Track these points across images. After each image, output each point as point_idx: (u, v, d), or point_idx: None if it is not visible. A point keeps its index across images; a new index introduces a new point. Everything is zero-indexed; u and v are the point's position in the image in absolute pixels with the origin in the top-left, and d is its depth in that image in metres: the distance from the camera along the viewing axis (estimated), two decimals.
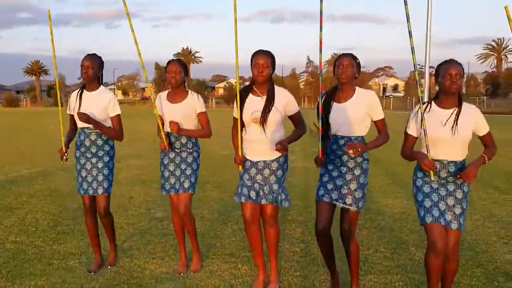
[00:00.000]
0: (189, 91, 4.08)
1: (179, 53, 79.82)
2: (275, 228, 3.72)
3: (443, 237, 3.18)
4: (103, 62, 4.14)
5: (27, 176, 8.94)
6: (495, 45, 70.09)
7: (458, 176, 3.14)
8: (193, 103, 4.03)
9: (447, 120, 3.15)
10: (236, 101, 3.64)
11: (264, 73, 3.56)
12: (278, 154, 3.60)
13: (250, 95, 3.68)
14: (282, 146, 3.44)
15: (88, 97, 4.05)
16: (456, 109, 3.16)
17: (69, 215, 5.97)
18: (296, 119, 3.70)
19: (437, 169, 3.18)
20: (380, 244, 4.85)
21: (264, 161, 3.63)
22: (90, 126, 3.99)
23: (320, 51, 3.45)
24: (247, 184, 3.67)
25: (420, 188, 3.28)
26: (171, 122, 3.91)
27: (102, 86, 4.14)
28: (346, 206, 3.44)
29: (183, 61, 4.12)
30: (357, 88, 3.51)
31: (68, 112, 4.16)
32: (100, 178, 4.06)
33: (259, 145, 3.60)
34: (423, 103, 3.24)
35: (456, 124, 3.13)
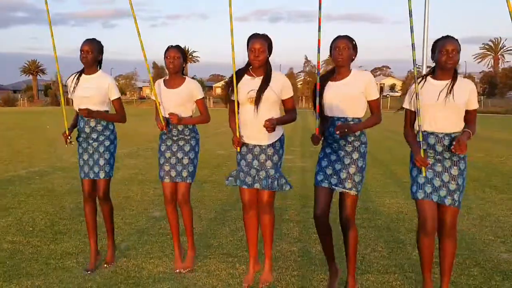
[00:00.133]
0: (187, 77, 4.09)
1: None
2: (270, 215, 3.71)
3: (433, 216, 3.24)
4: (102, 47, 4.15)
5: (24, 176, 8.92)
6: (492, 45, 70.26)
7: (451, 148, 3.14)
8: (191, 88, 4.03)
9: (442, 90, 3.20)
10: (233, 83, 3.63)
11: (260, 58, 3.55)
12: (273, 138, 3.62)
13: (246, 76, 3.68)
14: (270, 122, 3.44)
15: (86, 80, 4.08)
16: (452, 81, 3.21)
17: (66, 215, 5.96)
18: (288, 104, 3.71)
19: (429, 165, 3.20)
20: (377, 243, 4.85)
21: (260, 146, 3.64)
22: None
23: (318, 51, 3.46)
24: (244, 170, 3.68)
25: (415, 164, 3.31)
26: (170, 114, 3.92)
27: (100, 70, 4.16)
28: (346, 191, 3.43)
29: (182, 48, 4.11)
30: (353, 69, 3.51)
31: (69, 96, 4.18)
32: (102, 162, 4.08)
33: (254, 126, 3.58)
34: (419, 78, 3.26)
35: (451, 92, 3.17)
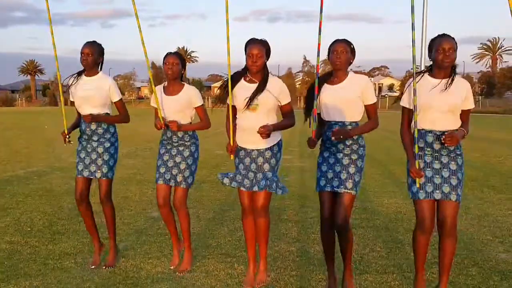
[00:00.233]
0: (185, 84, 4.09)
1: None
2: (266, 219, 3.69)
3: (432, 215, 3.27)
4: (103, 49, 4.16)
5: (22, 176, 8.90)
6: (490, 45, 70.37)
7: (442, 138, 3.15)
8: (189, 95, 4.03)
9: (439, 88, 3.21)
10: (229, 88, 3.63)
11: (258, 63, 3.54)
12: (271, 142, 3.63)
13: (242, 81, 3.67)
14: (265, 129, 3.44)
15: (87, 82, 4.09)
16: (449, 79, 3.22)
17: (64, 215, 5.95)
18: (287, 110, 3.70)
19: (423, 177, 3.23)
20: (375, 243, 4.86)
21: (258, 150, 3.64)
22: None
23: (318, 54, 3.46)
24: (242, 173, 3.68)
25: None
26: (170, 122, 3.91)
27: (101, 72, 4.17)
28: (348, 191, 3.42)
29: (181, 54, 4.12)
30: (350, 72, 3.51)
31: (70, 98, 4.19)
32: (100, 162, 4.08)
33: (251, 133, 3.58)
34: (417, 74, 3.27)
35: (448, 91, 3.19)
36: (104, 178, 4.10)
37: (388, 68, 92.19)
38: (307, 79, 62.73)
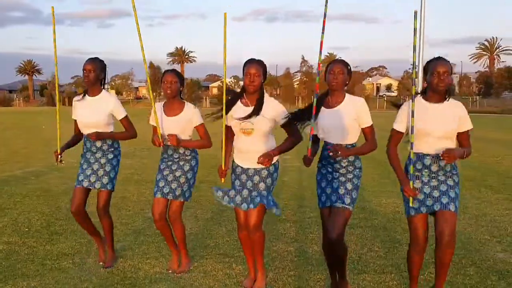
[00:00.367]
0: (185, 103, 4.06)
1: (173, 52, 79.62)
2: (260, 234, 3.67)
3: (425, 233, 3.31)
4: (105, 66, 4.16)
5: (20, 176, 8.89)
6: (488, 45, 70.50)
7: (440, 154, 3.16)
8: (190, 115, 4.00)
9: (434, 113, 3.21)
10: (223, 109, 3.65)
11: (255, 83, 3.56)
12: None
13: (239, 103, 3.68)
14: (264, 158, 3.45)
15: (90, 103, 4.09)
16: (443, 103, 3.22)
17: (62, 216, 5.94)
18: (289, 129, 3.68)
19: (417, 195, 3.25)
20: (374, 243, 4.86)
21: (254, 169, 3.64)
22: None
23: (320, 53, 3.48)
24: (237, 189, 3.68)
25: (411, 184, 3.32)
26: (169, 135, 3.89)
27: (104, 90, 4.15)
28: (346, 206, 3.43)
29: (179, 72, 4.11)
30: (347, 94, 3.53)
31: (72, 117, 4.18)
32: (101, 173, 4.07)
33: (248, 154, 3.61)
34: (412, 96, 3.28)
35: (442, 118, 3.19)
36: (103, 189, 4.07)
37: (386, 68, 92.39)
38: (305, 79, 62.65)
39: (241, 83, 3.82)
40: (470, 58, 73.39)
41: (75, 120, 4.18)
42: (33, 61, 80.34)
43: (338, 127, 3.46)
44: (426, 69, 3.26)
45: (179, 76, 4.02)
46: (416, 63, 3.31)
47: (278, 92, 64.46)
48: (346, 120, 3.44)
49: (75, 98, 4.19)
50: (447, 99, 3.25)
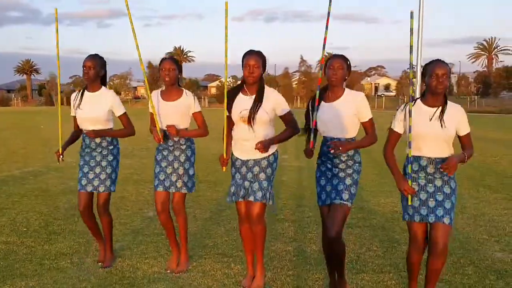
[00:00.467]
0: (184, 90, 4.08)
1: (172, 52, 79.59)
2: (262, 226, 3.70)
3: (424, 235, 3.32)
4: (105, 62, 4.16)
5: (18, 176, 8.88)
6: (486, 45, 70.58)
7: (439, 167, 3.16)
8: (188, 102, 4.02)
9: (432, 117, 3.21)
10: (225, 97, 3.67)
11: (255, 74, 3.57)
12: (267, 153, 3.62)
13: (240, 94, 3.70)
14: (262, 145, 3.46)
15: (90, 98, 4.09)
16: (441, 107, 3.22)
17: (60, 215, 5.93)
18: (287, 120, 3.70)
19: (415, 194, 3.24)
20: (372, 243, 4.86)
21: (254, 160, 3.65)
22: (95, 129, 4.04)
23: (324, 48, 3.49)
24: (238, 183, 3.69)
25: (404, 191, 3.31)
26: (168, 126, 3.91)
27: (103, 87, 4.15)
28: (344, 202, 3.43)
29: (177, 59, 4.11)
30: (346, 89, 3.53)
31: (71, 114, 4.19)
32: (103, 176, 4.09)
33: (247, 144, 3.61)
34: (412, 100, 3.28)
35: (441, 120, 3.19)
36: (107, 192, 4.12)
37: (385, 68, 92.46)
38: (303, 79, 62.69)
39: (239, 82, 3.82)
40: (468, 58, 73.52)
41: (74, 117, 4.18)
42: (31, 61, 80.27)
43: (337, 121, 3.45)
44: (424, 71, 3.26)
45: (177, 63, 4.03)
46: (414, 63, 3.31)
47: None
48: (345, 114, 3.44)
49: (73, 95, 4.18)
50: (446, 102, 3.23)
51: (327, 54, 3.54)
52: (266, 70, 3.71)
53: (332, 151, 3.36)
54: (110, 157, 4.13)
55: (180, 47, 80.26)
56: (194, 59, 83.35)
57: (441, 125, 3.17)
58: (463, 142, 3.31)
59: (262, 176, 3.63)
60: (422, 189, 3.27)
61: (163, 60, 4.02)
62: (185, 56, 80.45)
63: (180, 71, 4.06)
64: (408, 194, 3.24)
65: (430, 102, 3.24)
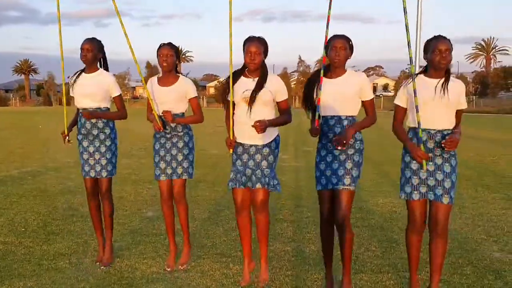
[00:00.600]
0: (180, 76, 4.09)
1: None
2: (266, 214, 3.72)
3: (423, 215, 3.32)
4: (102, 45, 4.20)
5: (16, 176, 8.86)
6: (484, 45, 70.67)
7: (442, 142, 3.17)
8: (184, 87, 4.04)
9: (436, 87, 3.23)
10: (230, 83, 3.64)
11: (256, 61, 3.56)
12: (268, 139, 3.64)
13: (242, 77, 3.70)
14: (260, 124, 3.45)
15: (87, 78, 4.13)
16: (445, 80, 3.25)
17: (59, 216, 5.93)
18: (283, 107, 3.72)
19: (430, 159, 3.22)
20: (371, 243, 4.87)
21: (255, 146, 3.65)
22: (91, 108, 4.07)
23: (325, 47, 3.45)
24: (239, 170, 3.69)
25: (408, 165, 3.36)
26: (164, 112, 3.92)
27: (101, 68, 4.20)
28: (346, 187, 3.42)
29: (174, 45, 4.11)
30: (348, 69, 3.52)
31: (71, 94, 4.24)
32: (104, 162, 4.15)
33: (248, 127, 3.57)
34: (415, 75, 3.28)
35: (445, 90, 3.21)
36: (109, 176, 4.20)
37: (383, 68, 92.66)
38: (302, 78, 62.67)
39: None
40: (467, 58, 73.63)
41: (73, 97, 4.23)
42: (30, 61, 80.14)
43: (339, 98, 3.43)
44: (426, 47, 3.28)
45: (175, 49, 4.03)
46: (414, 65, 3.31)
47: None
48: (347, 91, 3.43)
49: (70, 77, 4.22)
50: (448, 77, 3.26)
51: (324, 55, 3.52)
52: (267, 55, 3.68)
53: (338, 148, 3.35)
54: (108, 142, 4.17)
55: (178, 47, 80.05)
56: (192, 59, 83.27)
57: (444, 94, 3.19)
58: (457, 117, 3.33)
59: (264, 164, 3.63)
60: (422, 168, 3.28)
61: (161, 46, 4.02)
62: (183, 56, 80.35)
63: (178, 57, 4.08)
64: (421, 160, 3.21)
65: (433, 75, 3.28)
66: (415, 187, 3.29)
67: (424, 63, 3.40)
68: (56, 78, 65.49)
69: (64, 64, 4.22)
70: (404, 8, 3.18)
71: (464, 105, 3.32)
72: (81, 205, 6.38)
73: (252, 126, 3.48)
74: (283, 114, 3.73)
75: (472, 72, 69.31)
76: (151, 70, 56.38)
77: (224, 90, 3.78)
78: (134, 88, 79.63)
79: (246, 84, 3.63)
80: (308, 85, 3.63)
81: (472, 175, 8.85)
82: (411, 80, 3.26)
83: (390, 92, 71.40)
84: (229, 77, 3.67)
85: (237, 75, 3.70)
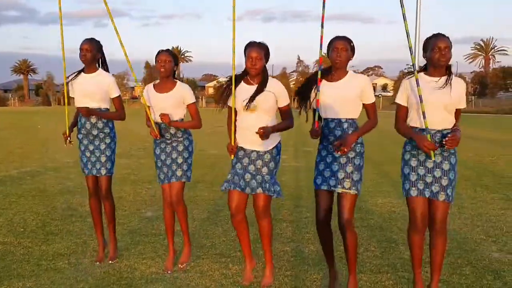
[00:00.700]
0: (178, 82, 4.09)
1: None
2: (268, 220, 3.71)
3: (424, 213, 3.30)
4: (101, 46, 4.23)
5: (15, 176, 8.85)
6: (483, 45, 70.72)
7: (443, 141, 3.17)
8: (182, 93, 4.03)
9: (436, 86, 3.23)
10: (231, 89, 3.64)
11: (257, 66, 3.56)
12: (270, 145, 3.63)
13: (242, 83, 3.69)
14: (263, 130, 3.45)
15: (87, 79, 4.16)
16: (446, 76, 3.25)
17: (57, 216, 5.92)
18: (285, 112, 3.71)
19: (437, 149, 3.21)
20: (370, 243, 4.87)
21: (257, 152, 3.64)
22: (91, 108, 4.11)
23: (321, 47, 3.41)
24: (238, 172, 3.67)
25: (407, 162, 3.36)
26: (161, 114, 3.91)
27: (101, 68, 4.23)
28: (346, 191, 3.40)
29: (173, 51, 4.12)
30: (350, 71, 3.50)
31: (70, 94, 4.26)
32: (103, 159, 4.19)
33: (251, 133, 3.57)
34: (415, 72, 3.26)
35: (447, 88, 3.21)
36: (108, 175, 4.24)
37: (382, 68, 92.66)
38: (301, 79, 62.69)
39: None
40: (465, 58, 73.67)
41: (73, 98, 4.25)
42: (28, 61, 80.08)
43: (340, 101, 3.41)
44: (425, 46, 3.27)
45: (173, 55, 4.05)
46: (412, 63, 3.30)
47: None
48: (348, 94, 3.40)
49: (70, 77, 4.23)
50: (449, 75, 3.26)
51: (324, 54, 3.51)
52: (268, 60, 3.68)
53: (338, 153, 3.34)
54: (108, 140, 4.22)
55: (177, 47, 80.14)
56: (191, 59, 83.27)
57: (446, 93, 3.19)
58: (456, 115, 3.34)
59: (264, 170, 3.63)
60: (421, 164, 3.29)
61: (159, 52, 4.04)
62: (182, 56, 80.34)
63: (176, 63, 4.09)
64: (428, 150, 3.18)
65: (433, 74, 3.27)
66: (413, 183, 3.29)
67: (422, 63, 3.40)
68: (55, 78, 65.49)
69: (61, 64, 4.21)
70: (403, 15, 3.18)
71: (463, 104, 3.32)
72: (80, 205, 6.38)
73: (256, 132, 3.47)
74: (285, 119, 3.72)
75: (471, 72, 69.32)
76: (150, 70, 56.39)
77: (221, 94, 3.76)
78: (133, 88, 79.55)
79: (247, 92, 3.61)
80: (306, 85, 3.61)
81: (471, 175, 8.85)
82: (411, 76, 3.25)
83: (389, 92, 71.40)
84: (229, 82, 3.67)
85: (237, 80, 3.68)
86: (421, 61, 3.43)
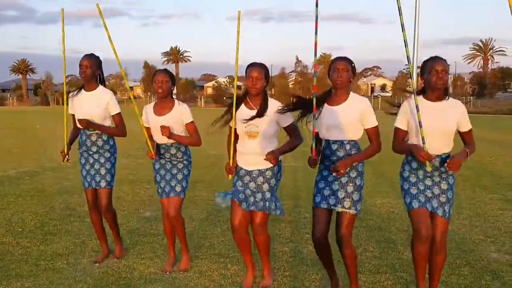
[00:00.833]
0: (176, 101, 4.07)
1: (168, 52, 79.44)
2: (264, 236, 3.70)
3: (428, 224, 3.28)
4: (101, 62, 4.23)
5: (13, 176, 8.84)
6: (482, 46, 70.81)
7: (445, 164, 3.18)
8: (180, 113, 4.02)
9: (433, 113, 3.23)
10: (232, 113, 3.65)
11: (257, 86, 3.58)
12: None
13: (243, 106, 3.68)
14: (273, 156, 3.43)
15: (87, 97, 4.15)
16: (443, 102, 3.25)
17: (56, 216, 5.91)
18: (290, 130, 3.67)
19: (434, 159, 3.22)
20: (368, 243, 4.87)
21: (258, 170, 3.63)
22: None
23: (315, 55, 3.40)
24: (239, 190, 3.67)
25: (406, 179, 3.38)
26: (162, 126, 3.90)
27: (100, 85, 4.22)
28: (346, 210, 3.38)
29: (171, 71, 4.14)
30: (351, 93, 3.46)
31: (70, 112, 4.25)
32: (103, 172, 4.19)
33: (252, 157, 3.60)
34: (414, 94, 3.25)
35: (442, 116, 3.22)
36: (108, 187, 4.20)
37: (381, 68, 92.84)
38: (299, 79, 62.72)
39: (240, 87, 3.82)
40: (464, 58, 73.78)
41: (73, 115, 4.24)
42: (27, 60, 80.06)
43: (340, 125, 3.39)
44: (423, 68, 3.28)
45: (170, 75, 4.05)
46: (411, 64, 3.30)
47: (273, 92, 64.51)
48: (348, 119, 3.39)
49: (71, 94, 4.26)
50: (447, 98, 3.27)
51: (323, 54, 3.50)
52: (269, 82, 3.70)
53: (334, 175, 3.33)
54: (108, 154, 4.21)
55: (176, 47, 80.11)
56: (190, 59, 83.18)
57: (443, 120, 3.20)
58: (465, 138, 3.35)
59: (265, 187, 3.61)
60: (420, 181, 3.32)
61: (156, 72, 4.07)
62: (181, 56, 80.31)
63: (174, 83, 4.09)
64: (425, 160, 3.16)
65: (431, 97, 3.28)
66: (414, 195, 3.30)
67: (421, 63, 3.40)
68: (54, 77, 65.38)
69: (60, 65, 4.20)
70: (402, 24, 3.18)
71: (467, 127, 3.31)
72: (78, 205, 6.38)
73: (265, 159, 3.45)
74: (292, 136, 3.67)
75: (470, 73, 69.38)
76: (148, 70, 56.28)
77: (221, 117, 3.75)
78: (131, 88, 79.60)
79: (247, 115, 3.60)
80: (305, 106, 3.53)
81: (470, 175, 8.86)
82: (411, 98, 3.25)
83: (388, 92, 71.47)
84: (231, 104, 3.66)
85: (238, 102, 3.68)
86: (419, 61, 3.42)
